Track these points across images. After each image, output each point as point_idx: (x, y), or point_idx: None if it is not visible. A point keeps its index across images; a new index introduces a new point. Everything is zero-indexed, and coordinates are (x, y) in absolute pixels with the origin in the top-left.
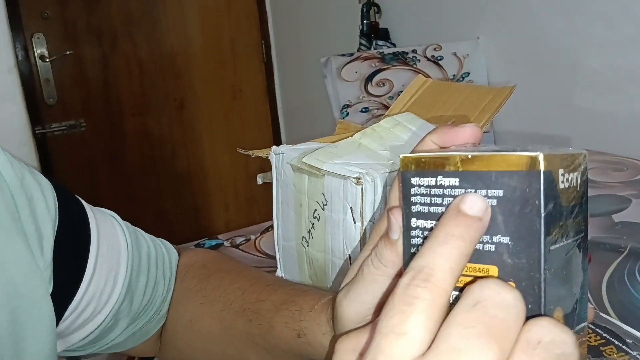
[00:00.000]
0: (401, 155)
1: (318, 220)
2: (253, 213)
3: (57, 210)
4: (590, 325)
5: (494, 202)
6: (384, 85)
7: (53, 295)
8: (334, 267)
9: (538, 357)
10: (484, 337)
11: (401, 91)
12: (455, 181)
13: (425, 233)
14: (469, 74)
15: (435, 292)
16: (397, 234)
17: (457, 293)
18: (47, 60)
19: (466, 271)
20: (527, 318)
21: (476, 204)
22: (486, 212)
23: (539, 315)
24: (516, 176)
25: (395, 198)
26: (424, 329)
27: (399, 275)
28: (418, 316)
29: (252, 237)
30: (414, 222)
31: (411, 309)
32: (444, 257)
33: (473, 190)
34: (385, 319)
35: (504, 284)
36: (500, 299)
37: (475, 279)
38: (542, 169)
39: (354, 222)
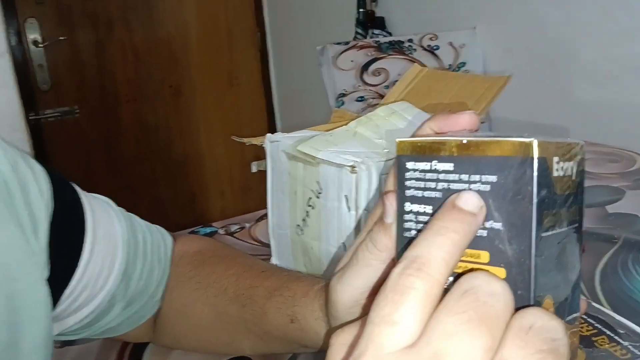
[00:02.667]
0: (397, 140)
1: (313, 209)
2: (248, 200)
3: (51, 195)
4: (583, 316)
5: (487, 187)
6: (379, 74)
7: (49, 279)
8: (328, 255)
9: (530, 340)
10: (474, 322)
11: (397, 81)
12: (449, 166)
13: (419, 217)
14: (465, 63)
15: (428, 281)
16: (391, 218)
17: (451, 279)
18: (41, 45)
19: None
20: (517, 306)
21: (471, 200)
22: (481, 210)
23: (528, 301)
24: (510, 162)
25: (391, 184)
26: (415, 318)
27: (393, 260)
28: (410, 306)
29: (247, 225)
30: (408, 206)
31: (403, 299)
32: (438, 248)
33: (467, 175)
34: (377, 308)
35: (492, 275)
36: (489, 288)
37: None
38: (535, 156)
39: (349, 211)
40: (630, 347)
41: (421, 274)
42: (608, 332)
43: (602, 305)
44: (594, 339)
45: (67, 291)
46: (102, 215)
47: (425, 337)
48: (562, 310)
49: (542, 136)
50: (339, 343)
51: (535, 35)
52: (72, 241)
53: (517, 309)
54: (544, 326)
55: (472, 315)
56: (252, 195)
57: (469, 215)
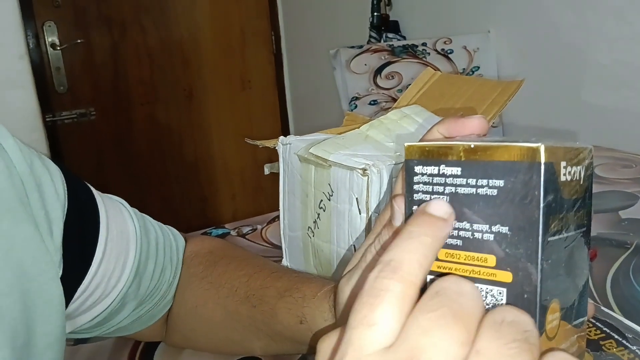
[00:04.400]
0: (406, 144)
1: (324, 211)
2: (260, 202)
3: (66, 195)
4: (591, 320)
5: (495, 192)
6: (393, 78)
7: (62, 278)
8: (339, 257)
9: (504, 332)
10: (448, 317)
11: (410, 84)
12: (457, 170)
13: None
14: (478, 67)
15: (403, 283)
16: (399, 221)
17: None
18: (58, 48)
19: (465, 260)
20: (524, 309)
21: (441, 207)
22: (450, 215)
23: (535, 305)
24: (517, 167)
25: (399, 187)
26: (392, 319)
27: None
28: (386, 307)
29: (259, 227)
30: (416, 209)
31: (379, 301)
32: (411, 251)
33: (474, 180)
34: (355, 312)
35: (461, 277)
36: (458, 288)
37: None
38: (542, 161)
39: (360, 213)
40: (638, 351)
41: (396, 276)
42: (616, 336)
43: (612, 310)
44: (601, 342)
45: (80, 289)
46: (115, 215)
47: (402, 336)
48: (569, 315)
49: (550, 141)
50: (325, 349)
51: (549, 39)
52: (86, 240)
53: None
54: (514, 320)
55: (445, 312)
56: (264, 197)
57: (439, 220)
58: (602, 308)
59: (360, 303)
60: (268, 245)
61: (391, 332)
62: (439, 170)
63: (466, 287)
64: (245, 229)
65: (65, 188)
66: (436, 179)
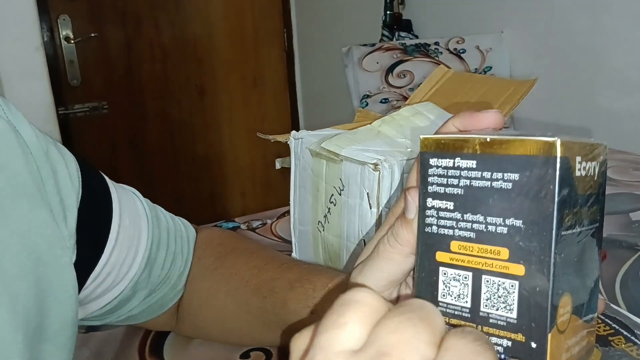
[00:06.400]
0: (421, 136)
1: (334, 205)
2: (269, 200)
3: (80, 182)
4: (600, 316)
5: (509, 185)
6: (404, 76)
7: (75, 264)
8: (349, 251)
9: (467, 335)
10: (415, 320)
11: (422, 83)
12: (472, 163)
13: (440, 213)
14: (491, 68)
15: (370, 294)
16: (413, 213)
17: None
18: (72, 42)
19: (478, 252)
20: (536, 302)
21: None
22: None
23: (547, 298)
24: (533, 161)
25: (413, 180)
26: (360, 322)
27: (414, 254)
28: (355, 311)
29: (269, 221)
30: (430, 202)
31: (348, 308)
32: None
33: (489, 173)
34: (324, 319)
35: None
36: (422, 303)
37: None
38: (558, 155)
39: (370, 208)
40: None
41: (363, 290)
42: (625, 333)
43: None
44: (610, 338)
45: (92, 276)
46: (128, 204)
47: (371, 337)
48: (580, 310)
49: (566, 136)
50: (298, 347)
51: (563, 41)
52: (99, 228)
53: (536, 305)
54: (474, 330)
55: (412, 316)
56: (273, 194)
57: None
58: (612, 305)
59: (330, 312)
60: (278, 239)
61: (359, 335)
62: (454, 163)
63: (429, 304)
64: (255, 223)
65: (80, 176)
66: (451, 172)
